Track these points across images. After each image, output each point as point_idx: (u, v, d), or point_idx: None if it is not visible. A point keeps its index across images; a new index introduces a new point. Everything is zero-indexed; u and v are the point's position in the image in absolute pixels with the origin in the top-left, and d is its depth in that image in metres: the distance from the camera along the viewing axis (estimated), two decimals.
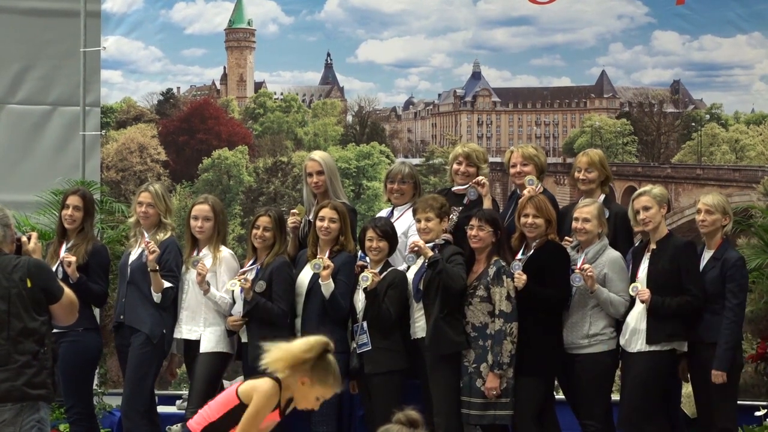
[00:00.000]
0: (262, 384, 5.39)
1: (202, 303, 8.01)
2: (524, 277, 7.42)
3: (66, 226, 8.19)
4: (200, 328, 8.02)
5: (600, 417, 7.58)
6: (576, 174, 7.98)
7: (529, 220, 7.57)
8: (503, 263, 7.52)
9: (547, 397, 7.64)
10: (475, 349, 7.51)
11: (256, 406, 5.35)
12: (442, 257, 7.54)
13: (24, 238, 6.30)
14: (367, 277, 7.66)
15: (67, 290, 6.04)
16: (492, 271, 7.49)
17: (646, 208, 7.54)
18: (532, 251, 7.58)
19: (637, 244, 7.80)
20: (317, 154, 8.34)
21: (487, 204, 7.91)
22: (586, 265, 7.50)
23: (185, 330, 8.07)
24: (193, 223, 8.08)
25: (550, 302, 7.53)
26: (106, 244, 8.65)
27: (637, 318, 7.50)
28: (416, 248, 7.63)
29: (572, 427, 7.72)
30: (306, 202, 8.36)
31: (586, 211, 7.61)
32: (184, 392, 9.02)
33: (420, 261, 7.73)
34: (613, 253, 7.63)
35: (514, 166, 8.07)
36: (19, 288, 5.84)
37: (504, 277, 7.45)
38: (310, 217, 8.10)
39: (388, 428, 3.96)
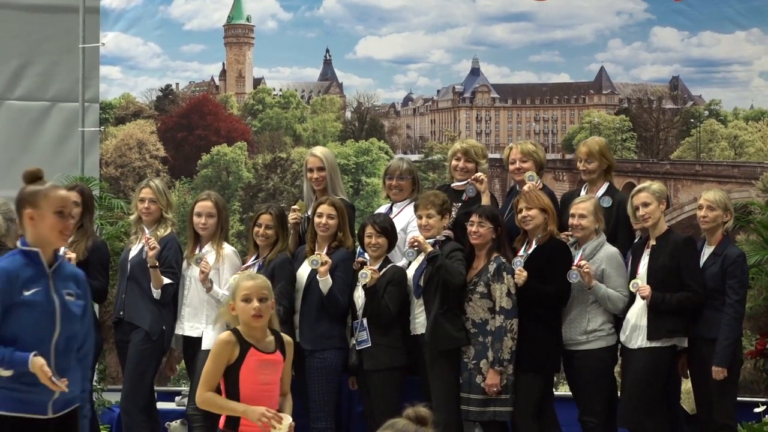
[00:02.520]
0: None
1: (204, 300, 8.01)
2: (525, 273, 7.43)
3: None
4: (202, 325, 8.02)
5: (599, 413, 7.59)
6: (578, 164, 8.03)
7: (523, 213, 7.58)
8: (503, 260, 7.52)
9: (547, 393, 7.65)
10: (474, 345, 7.51)
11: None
12: (441, 253, 7.55)
13: None
14: (366, 274, 7.66)
15: None
16: (492, 267, 7.50)
17: (646, 204, 7.55)
18: (534, 248, 7.58)
19: (636, 240, 7.81)
20: (318, 150, 8.33)
21: (485, 200, 7.92)
22: (583, 262, 7.50)
23: (187, 327, 8.08)
24: (196, 219, 8.08)
25: (550, 299, 7.54)
26: (105, 240, 8.65)
27: (637, 314, 7.51)
28: (416, 244, 7.64)
29: (572, 424, 7.73)
30: (306, 198, 8.36)
31: (582, 207, 7.62)
32: (184, 388, 9.04)
33: (420, 257, 7.73)
34: (610, 249, 7.63)
35: (513, 162, 8.08)
36: None
37: (504, 273, 7.46)
38: (309, 213, 8.10)
39: (395, 421, 3.98)
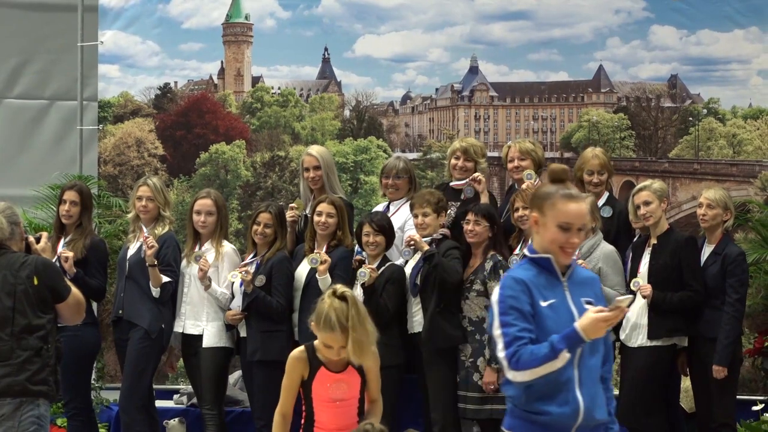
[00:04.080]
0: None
1: (204, 298, 8.00)
2: None
3: (63, 221, 8.18)
4: (202, 323, 8.02)
5: None
6: (587, 177, 7.92)
7: (519, 212, 7.57)
8: (500, 258, 7.52)
9: None
10: (471, 343, 7.51)
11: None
12: (438, 251, 7.54)
13: (32, 239, 6.32)
14: (365, 273, 7.65)
15: (74, 290, 6.06)
16: (489, 265, 7.50)
17: (647, 203, 7.54)
18: None
19: (636, 239, 7.80)
20: (314, 149, 8.33)
21: (484, 200, 7.91)
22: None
23: (188, 324, 8.07)
24: (196, 217, 8.08)
25: None
26: (103, 239, 8.65)
27: (638, 313, 7.50)
28: (412, 242, 7.64)
29: None
30: (303, 197, 8.35)
31: None
32: (182, 387, 9.04)
33: (417, 255, 7.73)
34: (607, 247, 7.62)
35: (512, 160, 8.07)
36: (26, 285, 5.85)
37: (501, 271, 7.44)
38: (308, 212, 8.10)
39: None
